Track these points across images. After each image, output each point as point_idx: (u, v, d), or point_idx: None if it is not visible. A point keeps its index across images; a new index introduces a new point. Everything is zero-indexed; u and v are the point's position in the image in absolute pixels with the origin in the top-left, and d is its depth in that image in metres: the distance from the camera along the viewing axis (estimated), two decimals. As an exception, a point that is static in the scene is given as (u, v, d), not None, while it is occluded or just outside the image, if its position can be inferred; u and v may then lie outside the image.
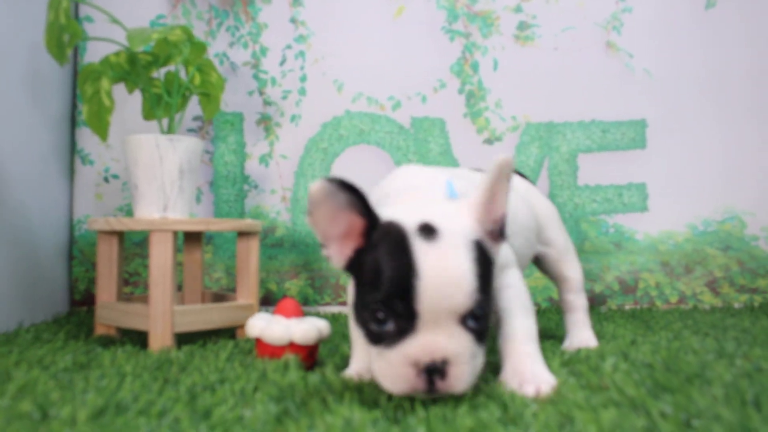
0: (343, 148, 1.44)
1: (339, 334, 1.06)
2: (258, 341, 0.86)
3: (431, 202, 0.68)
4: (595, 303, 1.45)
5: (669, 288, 1.46)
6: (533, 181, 1.45)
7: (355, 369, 0.75)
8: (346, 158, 1.44)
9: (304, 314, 0.90)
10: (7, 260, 1.10)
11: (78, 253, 1.38)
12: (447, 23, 1.47)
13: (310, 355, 0.86)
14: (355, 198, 0.61)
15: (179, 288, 1.28)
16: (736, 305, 1.46)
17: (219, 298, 1.18)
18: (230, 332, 1.12)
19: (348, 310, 0.77)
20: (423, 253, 0.59)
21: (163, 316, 0.96)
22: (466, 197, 0.66)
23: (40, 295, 1.24)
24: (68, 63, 1.31)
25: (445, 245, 0.59)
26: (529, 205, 0.95)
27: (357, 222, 0.62)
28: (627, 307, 1.44)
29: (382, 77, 1.45)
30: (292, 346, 0.84)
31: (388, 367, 0.59)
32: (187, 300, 1.19)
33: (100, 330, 1.07)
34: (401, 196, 0.71)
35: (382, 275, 0.59)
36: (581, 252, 1.45)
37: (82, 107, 1.28)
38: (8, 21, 1.12)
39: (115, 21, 1.05)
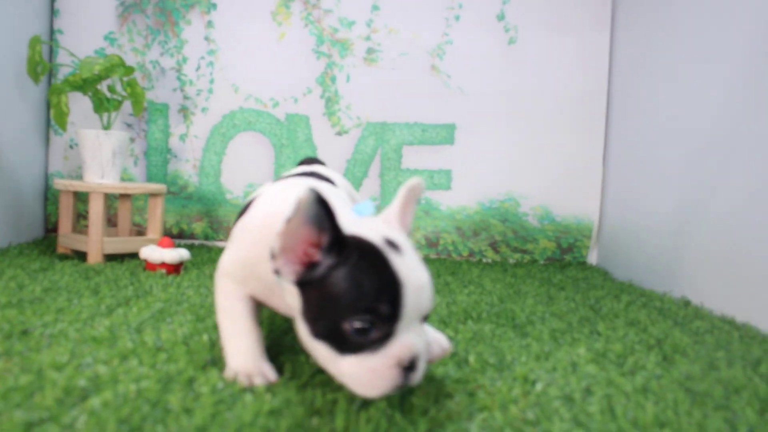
0: (237, 133, 2.05)
1: (204, 257, 1.73)
2: (146, 261, 1.52)
3: (370, 220, 0.72)
4: (408, 250, 2.10)
5: (462, 245, 2.11)
6: (369, 164, 2.07)
7: (240, 366, 0.76)
8: (238, 141, 2.05)
9: (176, 246, 1.55)
10: (1, 200, 1.74)
11: (51, 196, 2.01)
12: (315, 46, 2.05)
13: (175, 270, 1.51)
14: (327, 212, 0.63)
15: (115, 224, 1.92)
16: (511, 261, 2.11)
17: (139, 233, 1.82)
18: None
19: (219, 306, 0.81)
20: (399, 264, 0.64)
21: (95, 243, 1.61)
22: (381, 214, 0.74)
23: (24, 224, 1.88)
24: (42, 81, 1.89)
25: (410, 257, 0.67)
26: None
27: (318, 236, 0.64)
28: (432, 257, 2.10)
29: (267, 83, 2.04)
30: (163, 264, 1.49)
31: (370, 371, 0.63)
32: (120, 233, 1.83)
33: (60, 250, 1.72)
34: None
35: (367, 285, 0.63)
36: (401, 215, 2.08)
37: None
38: (6, 41, 1.71)
39: (72, 55, 1.64)
